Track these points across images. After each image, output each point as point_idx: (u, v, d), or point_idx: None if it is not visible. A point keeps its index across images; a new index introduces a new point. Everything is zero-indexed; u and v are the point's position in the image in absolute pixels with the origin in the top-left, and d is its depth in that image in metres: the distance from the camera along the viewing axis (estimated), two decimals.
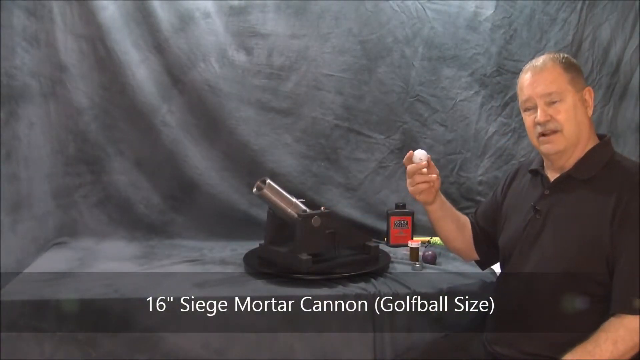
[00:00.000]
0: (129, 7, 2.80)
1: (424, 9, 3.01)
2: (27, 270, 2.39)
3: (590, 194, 1.77)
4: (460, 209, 3.00)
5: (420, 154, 2.04)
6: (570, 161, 1.84)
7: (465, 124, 3.09)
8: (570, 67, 1.84)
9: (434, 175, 2.04)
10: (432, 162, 2.06)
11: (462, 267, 2.52)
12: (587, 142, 1.85)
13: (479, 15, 3.05)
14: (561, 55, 1.87)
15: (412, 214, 2.88)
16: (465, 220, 2.26)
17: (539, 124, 1.84)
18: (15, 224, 2.37)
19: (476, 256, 2.23)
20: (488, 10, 3.04)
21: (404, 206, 2.91)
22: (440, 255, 2.63)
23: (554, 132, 1.83)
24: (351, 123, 3.03)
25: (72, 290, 2.15)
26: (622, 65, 3.07)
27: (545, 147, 1.86)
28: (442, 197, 2.17)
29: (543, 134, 1.85)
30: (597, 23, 3.07)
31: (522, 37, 3.07)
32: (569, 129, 1.81)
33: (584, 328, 1.69)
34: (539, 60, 1.88)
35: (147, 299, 2.11)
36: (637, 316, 1.62)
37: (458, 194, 3.09)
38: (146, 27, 2.82)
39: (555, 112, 1.82)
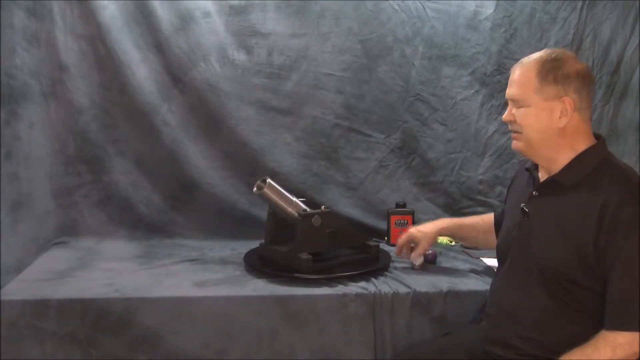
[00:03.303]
0: (129, 7, 2.79)
1: (424, 8, 3.01)
2: (27, 270, 2.39)
3: (576, 200, 1.76)
4: (461, 208, 3.03)
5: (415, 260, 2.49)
6: (557, 165, 1.83)
7: (466, 123, 3.10)
8: (547, 73, 1.79)
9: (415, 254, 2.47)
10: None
11: (462, 266, 2.52)
12: (562, 149, 1.81)
13: (479, 14, 3.05)
14: (550, 57, 1.82)
15: (412, 213, 2.88)
16: (487, 223, 2.35)
17: (505, 122, 1.92)
18: (15, 224, 2.37)
19: None
20: (488, 9, 3.05)
21: (404, 205, 2.91)
22: (440, 254, 2.63)
23: (518, 132, 1.87)
24: (351, 122, 3.03)
25: (72, 290, 2.15)
26: (623, 64, 3.07)
27: (512, 144, 1.93)
28: (445, 228, 2.47)
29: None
30: (598, 22, 3.07)
31: (522, 36, 3.07)
32: (527, 134, 1.84)
33: (572, 332, 1.70)
34: (526, 59, 1.87)
35: (148, 299, 2.11)
36: (636, 332, 1.62)
37: (459, 193, 3.10)
38: (146, 26, 2.82)
39: (518, 115, 1.85)
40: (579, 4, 3.06)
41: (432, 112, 3.08)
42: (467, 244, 2.59)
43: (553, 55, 1.83)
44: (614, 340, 1.62)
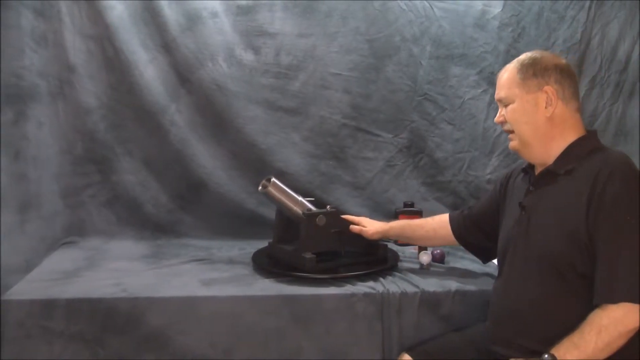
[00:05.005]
0: (137, 7, 2.80)
1: (432, 8, 3.02)
2: (35, 270, 2.39)
3: (569, 185, 1.80)
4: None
5: (423, 259, 2.50)
6: (550, 158, 1.88)
7: (474, 122, 3.10)
8: (526, 69, 1.90)
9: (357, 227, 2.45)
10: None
11: (470, 265, 2.52)
12: (554, 140, 1.87)
13: (486, 14, 3.05)
14: (529, 56, 1.93)
15: (420, 212, 2.87)
16: (437, 221, 2.41)
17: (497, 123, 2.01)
18: (23, 224, 2.38)
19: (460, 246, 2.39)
20: (496, 8, 3.05)
21: (412, 205, 2.90)
22: (448, 254, 2.63)
23: (511, 131, 1.95)
24: (359, 122, 3.04)
25: (80, 289, 2.16)
26: (631, 63, 3.07)
27: (509, 144, 1.99)
28: (391, 226, 2.48)
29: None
30: (606, 21, 3.07)
31: (530, 35, 3.07)
32: (518, 129, 1.92)
33: (573, 322, 1.70)
34: (509, 64, 1.98)
35: (156, 298, 2.12)
36: (620, 304, 1.64)
37: (466, 193, 3.09)
38: (154, 26, 2.83)
39: (507, 113, 1.94)
40: (587, 3, 3.05)
41: (439, 111, 3.08)
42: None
43: (531, 55, 1.94)
44: (599, 323, 1.64)
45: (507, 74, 1.93)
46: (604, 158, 1.77)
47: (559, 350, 1.65)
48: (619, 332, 1.63)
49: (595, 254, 1.69)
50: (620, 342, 1.64)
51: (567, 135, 1.86)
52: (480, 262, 2.41)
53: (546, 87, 1.86)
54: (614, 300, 1.64)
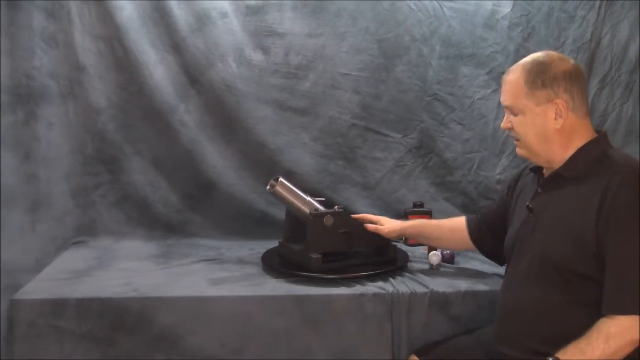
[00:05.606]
0: (147, 7, 2.81)
1: (441, 7, 3.01)
2: (46, 269, 2.40)
3: (578, 191, 1.78)
4: (479, 208, 3.02)
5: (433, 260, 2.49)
6: (559, 161, 1.85)
7: (483, 122, 3.08)
8: (534, 79, 1.82)
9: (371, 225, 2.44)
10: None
11: (480, 266, 2.51)
12: (562, 146, 1.84)
13: (496, 13, 3.04)
14: (535, 62, 1.85)
15: (429, 212, 2.86)
16: (454, 223, 2.39)
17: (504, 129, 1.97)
18: (34, 224, 2.39)
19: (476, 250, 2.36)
20: (505, 8, 3.03)
21: (421, 205, 2.89)
22: (458, 254, 2.62)
23: (517, 139, 1.93)
24: (368, 122, 3.03)
25: (91, 289, 2.16)
26: None
27: (516, 150, 1.98)
28: (410, 224, 2.46)
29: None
30: (616, 20, 3.05)
31: (540, 35, 3.05)
32: (525, 140, 1.89)
33: (578, 325, 1.69)
34: (514, 66, 1.91)
35: (165, 298, 2.12)
36: (629, 316, 1.62)
37: (476, 193, 3.08)
38: (163, 27, 2.83)
39: (515, 123, 1.90)
40: (597, 2, 3.03)
41: (449, 111, 3.07)
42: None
43: (538, 60, 1.86)
44: (607, 331, 1.63)
45: (513, 80, 1.86)
46: (615, 164, 1.75)
47: (565, 354, 1.64)
48: (627, 341, 1.62)
49: (604, 262, 1.68)
50: (626, 351, 1.63)
51: (575, 142, 1.83)
52: (490, 262, 2.41)
53: (556, 100, 1.80)
54: (624, 312, 1.63)
